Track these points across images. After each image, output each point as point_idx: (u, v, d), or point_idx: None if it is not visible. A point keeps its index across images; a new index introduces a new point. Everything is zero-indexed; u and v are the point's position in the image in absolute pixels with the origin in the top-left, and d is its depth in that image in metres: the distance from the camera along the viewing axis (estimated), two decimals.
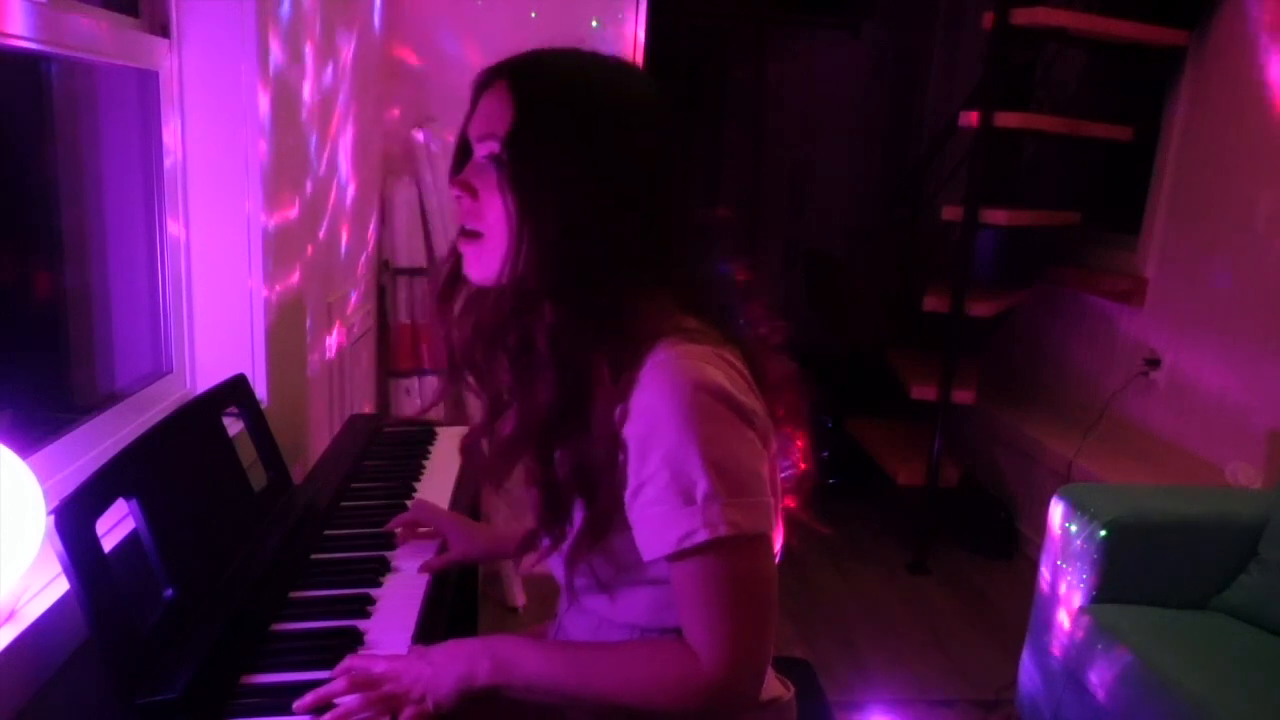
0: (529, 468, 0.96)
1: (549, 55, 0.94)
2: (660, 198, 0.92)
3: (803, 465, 1.04)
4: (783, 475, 1.00)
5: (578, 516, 0.95)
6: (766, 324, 1.05)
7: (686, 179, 0.96)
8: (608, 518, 0.92)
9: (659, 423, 0.86)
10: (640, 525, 0.89)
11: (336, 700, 0.92)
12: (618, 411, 0.88)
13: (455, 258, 0.98)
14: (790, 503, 1.02)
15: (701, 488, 0.85)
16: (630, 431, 0.87)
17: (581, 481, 0.92)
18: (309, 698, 0.92)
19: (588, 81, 0.92)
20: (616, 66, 0.96)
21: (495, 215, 0.91)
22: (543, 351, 0.90)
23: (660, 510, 0.86)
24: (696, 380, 0.86)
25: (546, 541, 0.98)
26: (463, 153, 0.97)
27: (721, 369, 0.89)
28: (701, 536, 0.84)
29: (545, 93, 0.90)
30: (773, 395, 0.97)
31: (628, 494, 0.89)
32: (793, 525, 1.02)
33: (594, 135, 0.89)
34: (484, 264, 0.93)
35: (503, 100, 0.90)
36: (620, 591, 0.98)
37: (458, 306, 1.00)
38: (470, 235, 0.94)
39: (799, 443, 1.04)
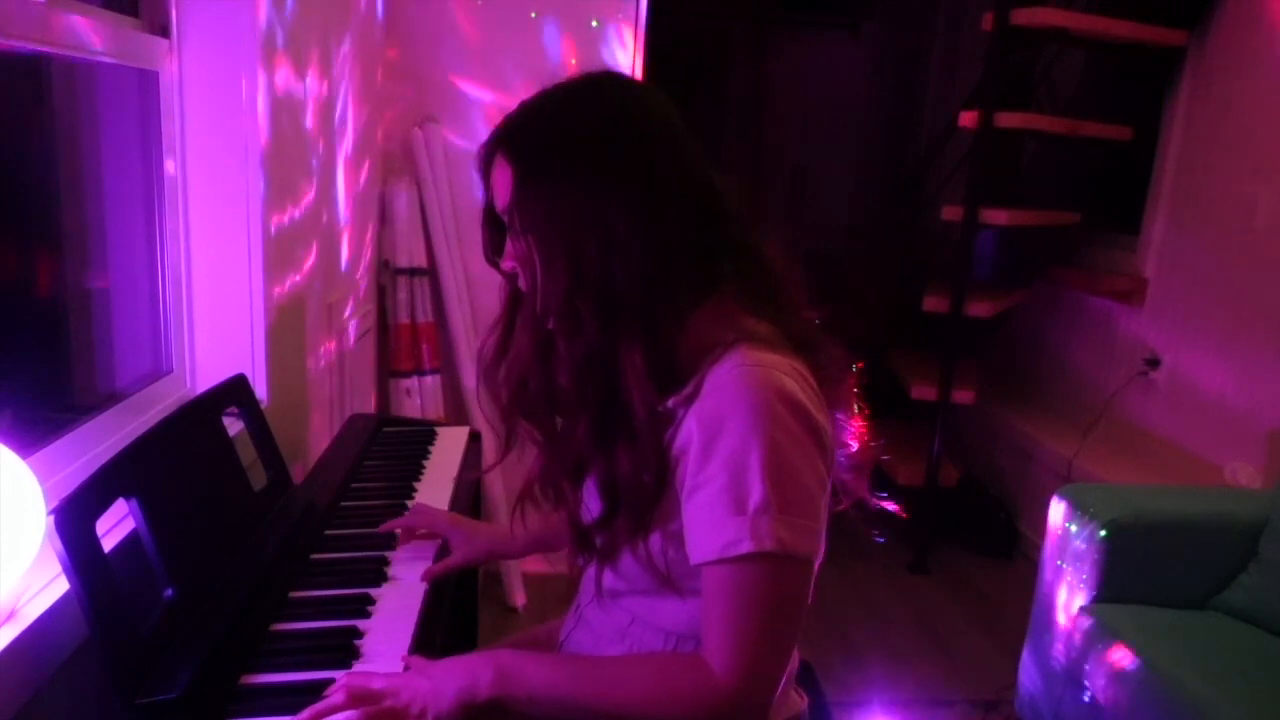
0: (599, 467, 0.96)
1: (534, 103, 0.94)
2: (687, 200, 0.91)
3: (861, 443, 1.02)
4: (843, 455, 0.99)
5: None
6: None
7: (707, 175, 0.94)
8: (649, 516, 0.92)
9: (727, 425, 0.85)
10: (691, 527, 0.88)
11: (335, 716, 0.88)
12: (678, 415, 0.89)
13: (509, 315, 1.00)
14: (851, 482, 1.01)
15: (755, 498, 0.84)
16: (696, 432, 0.87)
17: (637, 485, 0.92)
18: (306, 714, 0.88)
19: (574, 114, 0.92)
20: (600, 85, 0.94)
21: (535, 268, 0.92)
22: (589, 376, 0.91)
23: (711, 514, 0.86)
24: (774, 388, 0.86)
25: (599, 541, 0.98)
26: (492, 228, 0.98)
27: (796, 381, 0.88)
28: (745, 547, 0.84)
29: (535, 142, 0.91)
30: (831, 387, 0.96)
31: (684, 494, 0.89)
32: (850, 498, 1.01)
33: (590, 163, 0.89)
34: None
35: (503, 169, 0.92)
36: (665, 597, 0.96)
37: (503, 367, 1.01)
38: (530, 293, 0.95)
39: (857, 424, 1.02)
